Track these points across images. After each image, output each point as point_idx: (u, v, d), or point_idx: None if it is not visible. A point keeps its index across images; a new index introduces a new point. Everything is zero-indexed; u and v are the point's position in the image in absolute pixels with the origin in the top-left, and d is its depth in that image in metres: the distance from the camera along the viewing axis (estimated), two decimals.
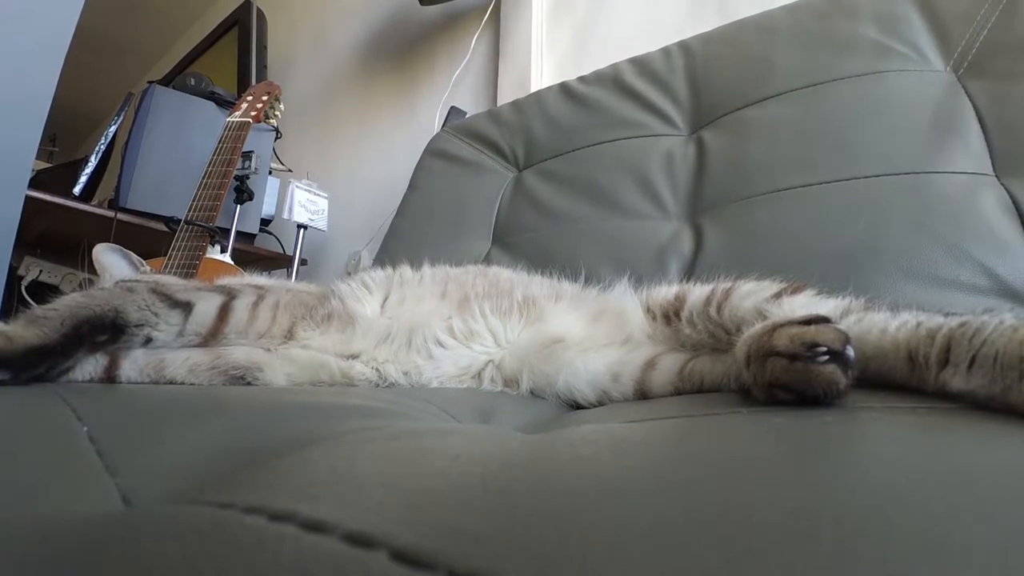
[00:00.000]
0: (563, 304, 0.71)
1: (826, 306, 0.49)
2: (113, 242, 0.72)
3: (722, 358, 0.55)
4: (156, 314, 0.50)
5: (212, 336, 0.53)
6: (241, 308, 0.55)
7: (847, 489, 0.19)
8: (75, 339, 0.45)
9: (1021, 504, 0.18)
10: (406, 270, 0.74)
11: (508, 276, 0.76)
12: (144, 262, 0.73)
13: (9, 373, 0.40)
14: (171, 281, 0.55)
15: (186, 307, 0.52)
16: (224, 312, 0.54)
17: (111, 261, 0.69)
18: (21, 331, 0.42)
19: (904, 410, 0.34)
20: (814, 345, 0.36)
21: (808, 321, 0.38)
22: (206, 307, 0.53)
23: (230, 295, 0.55)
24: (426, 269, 0.75)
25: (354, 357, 0.60)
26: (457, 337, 0.64)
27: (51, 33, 0.97)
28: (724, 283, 0.60)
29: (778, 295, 0.54)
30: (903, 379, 0.39)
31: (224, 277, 0.66)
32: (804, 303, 0.51)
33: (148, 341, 0.50)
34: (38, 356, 0.42)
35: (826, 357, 0.35)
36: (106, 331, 0.47)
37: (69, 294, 0.49)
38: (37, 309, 0.46)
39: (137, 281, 0.54)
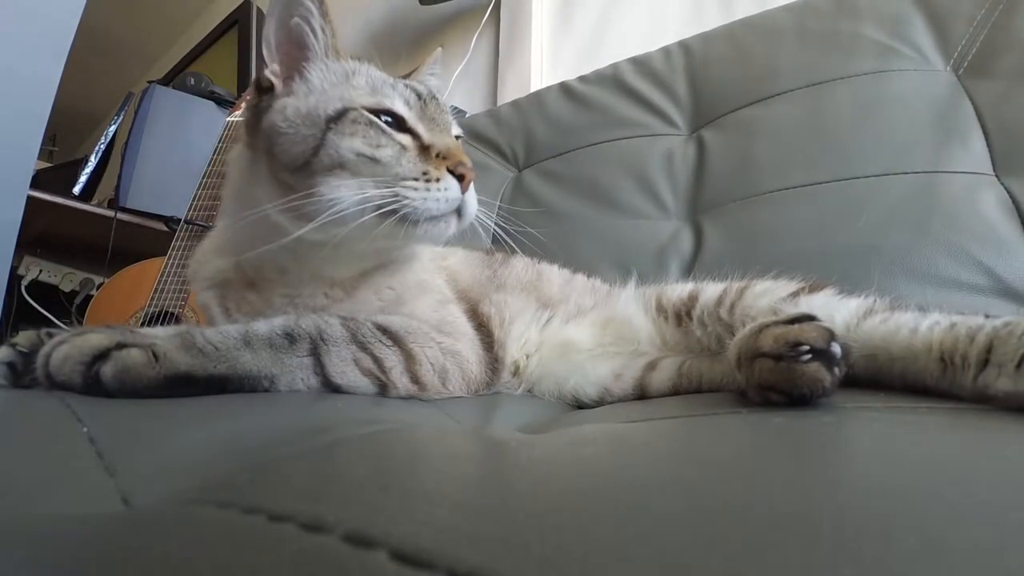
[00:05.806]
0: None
1: (847, 306, 0.47)
2: (113, 241, 0.70)
3: (721, 358, 0.55)
4: None
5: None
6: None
7: (847, 489, 0.19)
8: None
9: (1021, 504, 0.18)
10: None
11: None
12: None
13: None
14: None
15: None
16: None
17: None
18: None
19: (904, 410, 0.34)
20: (797, 344, 0.35)
21: (793, 320, 0.38)
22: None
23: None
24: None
25: None
26: None
27: (53, 34, 0.97)
28: (738, 282, 0.58)
29: (795, 294, 0.52)
30: (933, 381, 0.38)
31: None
32: (823, 302, 0.49)
33: None
34: None
35: (809, 356, 0.35)
36: None
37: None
38: None
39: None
